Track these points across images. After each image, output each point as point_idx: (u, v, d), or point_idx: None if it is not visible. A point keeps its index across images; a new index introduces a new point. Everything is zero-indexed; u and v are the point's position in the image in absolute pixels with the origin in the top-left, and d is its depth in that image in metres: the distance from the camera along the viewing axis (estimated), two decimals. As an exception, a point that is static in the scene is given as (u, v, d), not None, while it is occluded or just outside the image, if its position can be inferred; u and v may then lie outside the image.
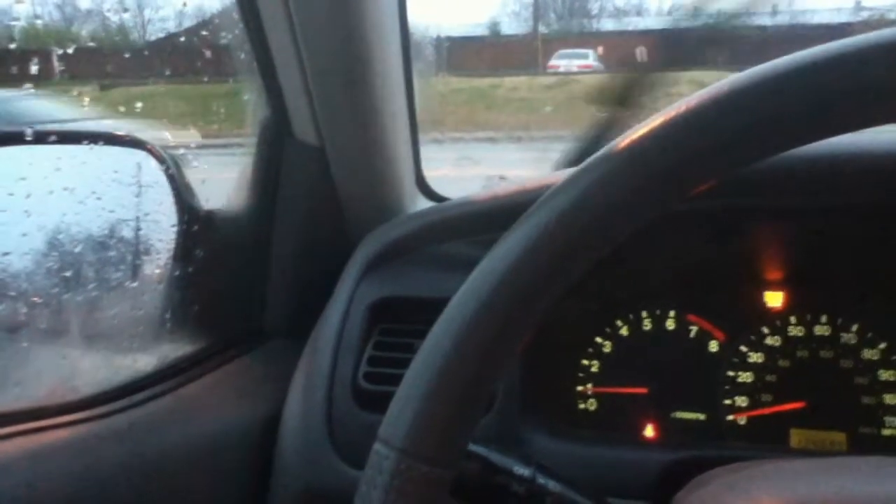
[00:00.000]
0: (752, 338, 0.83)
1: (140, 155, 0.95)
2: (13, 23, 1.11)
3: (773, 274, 0.84)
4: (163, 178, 0.96)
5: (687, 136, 0.40)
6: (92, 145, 0.93)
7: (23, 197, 0.97)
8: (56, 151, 0.95)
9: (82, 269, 0.96)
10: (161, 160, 0.93)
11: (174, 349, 0.93)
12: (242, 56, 0.94)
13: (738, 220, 0.80)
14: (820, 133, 0.40)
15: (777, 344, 0.82)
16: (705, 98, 0.40)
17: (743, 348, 0.83)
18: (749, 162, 0.41)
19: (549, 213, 0.41)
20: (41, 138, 0.95)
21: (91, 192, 0.96)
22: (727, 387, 0.83)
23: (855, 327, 0.80)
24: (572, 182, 0.42)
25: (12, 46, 1.07)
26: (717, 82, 0.41)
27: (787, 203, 0.76)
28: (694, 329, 0.85)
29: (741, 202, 0.76)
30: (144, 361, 0.88)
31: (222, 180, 1.07)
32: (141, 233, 0.98)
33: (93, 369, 0.87)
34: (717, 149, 0.40)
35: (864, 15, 5.86)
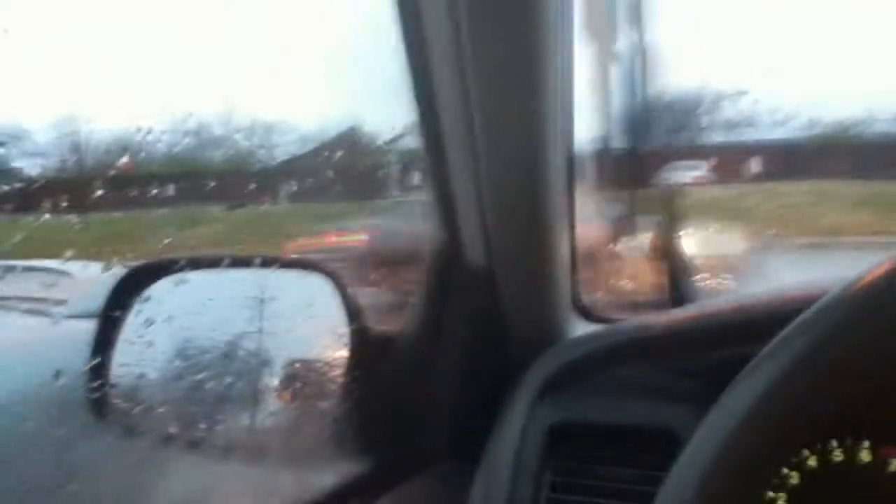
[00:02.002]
0: None
1: (316, 278, 0.99)
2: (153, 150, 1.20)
3: None
4: (335, 300, 0.99)
5: None
6: (271, 269, 0.98)
7: (203, 318, 1.02)
8: (239, 275, 1.00)
9: (257, 391, 0.99)
10: (340, 285, 0.96)
11: (343, 472, 0.94)
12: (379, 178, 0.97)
13: None
14: None
15: None
16: None
17: None
18: None
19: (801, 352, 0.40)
20: (219, 263, 1.01)
21: (264, 314, 1.01)
22: None
23: None
24: (827, 311, 0.41)
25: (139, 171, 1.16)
26: None
27: None
28: (892, 464, 0.79)
29: None
30: (316, 487, 0.89)
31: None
32: (313, 356, 1.01)
33: (265, 494, 0.88)
34: None
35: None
